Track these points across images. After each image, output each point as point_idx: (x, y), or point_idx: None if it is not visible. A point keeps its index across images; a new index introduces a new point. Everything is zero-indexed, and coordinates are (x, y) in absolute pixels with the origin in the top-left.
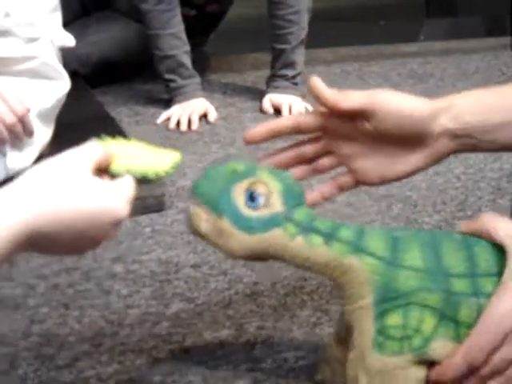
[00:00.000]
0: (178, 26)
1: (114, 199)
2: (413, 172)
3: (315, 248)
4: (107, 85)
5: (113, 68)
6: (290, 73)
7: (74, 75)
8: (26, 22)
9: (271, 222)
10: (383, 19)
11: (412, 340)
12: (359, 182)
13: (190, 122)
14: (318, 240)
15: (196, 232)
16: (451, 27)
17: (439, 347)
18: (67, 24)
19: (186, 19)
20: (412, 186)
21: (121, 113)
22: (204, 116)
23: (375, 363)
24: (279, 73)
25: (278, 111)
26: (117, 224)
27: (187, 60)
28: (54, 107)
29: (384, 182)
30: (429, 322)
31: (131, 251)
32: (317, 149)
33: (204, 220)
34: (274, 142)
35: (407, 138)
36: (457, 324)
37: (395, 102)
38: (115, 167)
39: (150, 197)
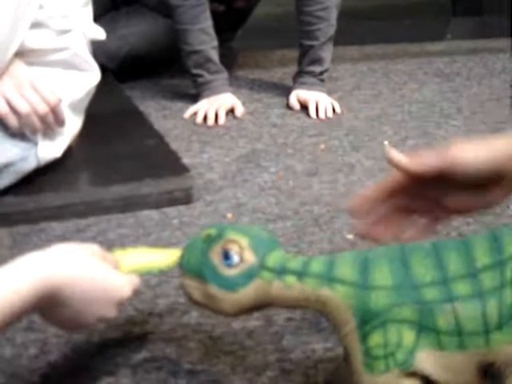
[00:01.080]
0: (206, 22)
1: (120, 282)
2: (502, 200)
3: (292, 288)
4: (135, 79)
5: (141, 62)
6: (317, 69)
7: (102, 69)
8: (59, 15)
9: (248, 275)
10: (409, 18)
11: (396, 356)
12: (453, 213)
13: (216, 116)
14: (292, 280)
15: (191, 300)
16: (478, 26)
17: (424, 358)
18: (97, 18)
19: (214, 15)
20: None
21: (148, 107)
22: (231, 111)
23: (368, 382)
24: (306, 69)
25: (304, 107)
26: (118, 304)
27: (215, 55)
28: (84, 98)
29: (476, 210)
30: (408, 336)
31: (159, 242)
32: (407, 198)
33: (195, 289)
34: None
35: (490, 178)
36: (437, 332)
37: (471, 155)
38: (123, 269)
39: (178, 190)
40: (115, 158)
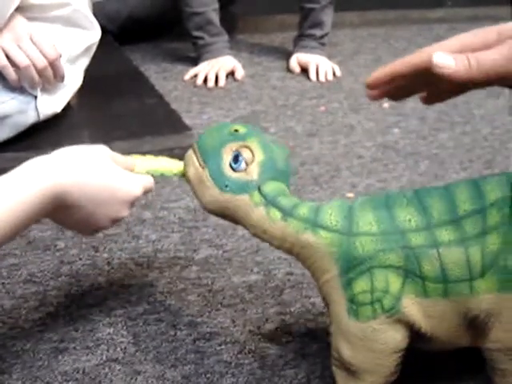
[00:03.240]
0: None
1: (130, 182)
2: None
3: (273, 222)
4: (135, 42)
5: (141, 25)
6: (317, 33)
7: (103, 32)
8: None
9: (243, 187)
10: None
11: (382, 301)
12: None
13: (217, 78)
14: (276, 215)
15: (184, 175)
16: None
17: (410, 304)
18: None
19: None
20: (439, 145)
21: (149, 69)
22: (231, 74)
23: (354, 330)
24: (307, 32)
25: (304, 70)
26: (130, 204)
27: (216, 18)
28: (84, 55)
29: None
30: (395, 282)
31: (159, 199)
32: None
33: (193, 166)
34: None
35: None
36: (422, 279)
37: None
38: (137, 170)
39: (178, 147)
40: (116, 116)
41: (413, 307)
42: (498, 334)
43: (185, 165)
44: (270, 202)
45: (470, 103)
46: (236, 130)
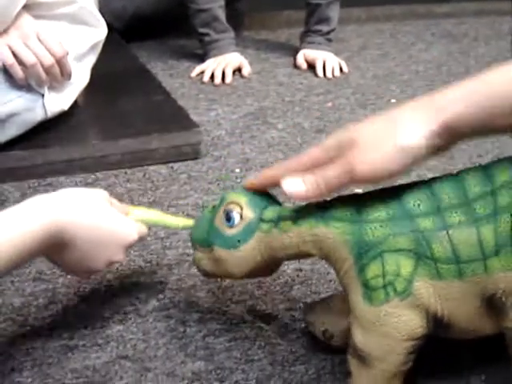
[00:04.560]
0: None
1: (127, 226)
2: None
3: (289, 232)
4: (141, 40)
5: (147, 22)
6: (324, 28)
7: (109, 29)
8: None
9: (249, 230)
10: None
11: (394, 285)
12: None
13: (223, 75)
14: (288, 224)
15: (204, 273)
16: None
17: (423, 287)
18: None
19: None
20: None
21: (155, 67)
22: (238, 70)
23: (367, 315)
24: (314, 28)
25: (311, 66)
26: (125, 248)
27: (222, 14)
28: (91, 53)
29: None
30: (406, 265)
31: (167, 196)
32: None
33: (204, 259)
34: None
35: None
36: (434, 261)
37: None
38: (130, 218)
39: (186, 145)
40: (123, 113)
41: (427, 290)
42: None
43: (198, 265)
44: (277, 220)
45: None
46: (213, 206)
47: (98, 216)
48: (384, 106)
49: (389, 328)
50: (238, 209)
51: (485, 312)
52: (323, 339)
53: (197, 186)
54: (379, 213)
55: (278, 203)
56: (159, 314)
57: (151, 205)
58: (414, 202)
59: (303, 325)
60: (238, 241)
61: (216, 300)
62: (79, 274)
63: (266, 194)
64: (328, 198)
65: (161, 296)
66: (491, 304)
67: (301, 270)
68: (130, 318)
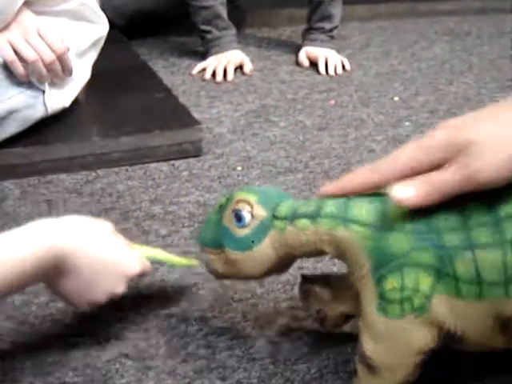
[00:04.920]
0: None
1: (130, 258)
2: None
3: (305, 231)
4: (143, 37)
5: (148, 19)
6: (327, 26)
7: (110, 26)
8: None
9: (262, 230)
10: None
11: (412, 300)
12: None
13: (225, 73)
14: (305, 223)
15: (217, 275)
16: None
17: (441, 304)
18: None
19: None
20: None
21: (156, 64)
22: (239, 68)
23: (380, 326)
24: (316, 25)
25: (313, 64)
26: (126, 280)
27: (223, 11)
28: (92, 50)
29: None
30: (426, 281)
31: (169, 193)
32: None
33: (216, 261)
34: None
35: None
36: (456, 280)
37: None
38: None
39: (187, 142)
40: (124, 110)
41: (444, 307)
42: None
43: (209, 268)
44: (292, 218)
45: (482, 96)
46: (220, 205)
47: (101, 245)
48: (387, 104)
49: (400, 342)
50: (248, 207)
51: (499, 330)
52: (315, 317)
53: (198, 183)
54: (403, 223)
55: (288, 198)
56: (160, 313)
57: (152, 203)
58: (441, 215)
59: (305, 323)
60: (252, 241)
61: (218, 298)
62: (78, 303)
63: (274, 190)
64: (347, 199)
65: (162, 294)
66: (507, 325)
67: (303, 268)
68: (131, 317)
